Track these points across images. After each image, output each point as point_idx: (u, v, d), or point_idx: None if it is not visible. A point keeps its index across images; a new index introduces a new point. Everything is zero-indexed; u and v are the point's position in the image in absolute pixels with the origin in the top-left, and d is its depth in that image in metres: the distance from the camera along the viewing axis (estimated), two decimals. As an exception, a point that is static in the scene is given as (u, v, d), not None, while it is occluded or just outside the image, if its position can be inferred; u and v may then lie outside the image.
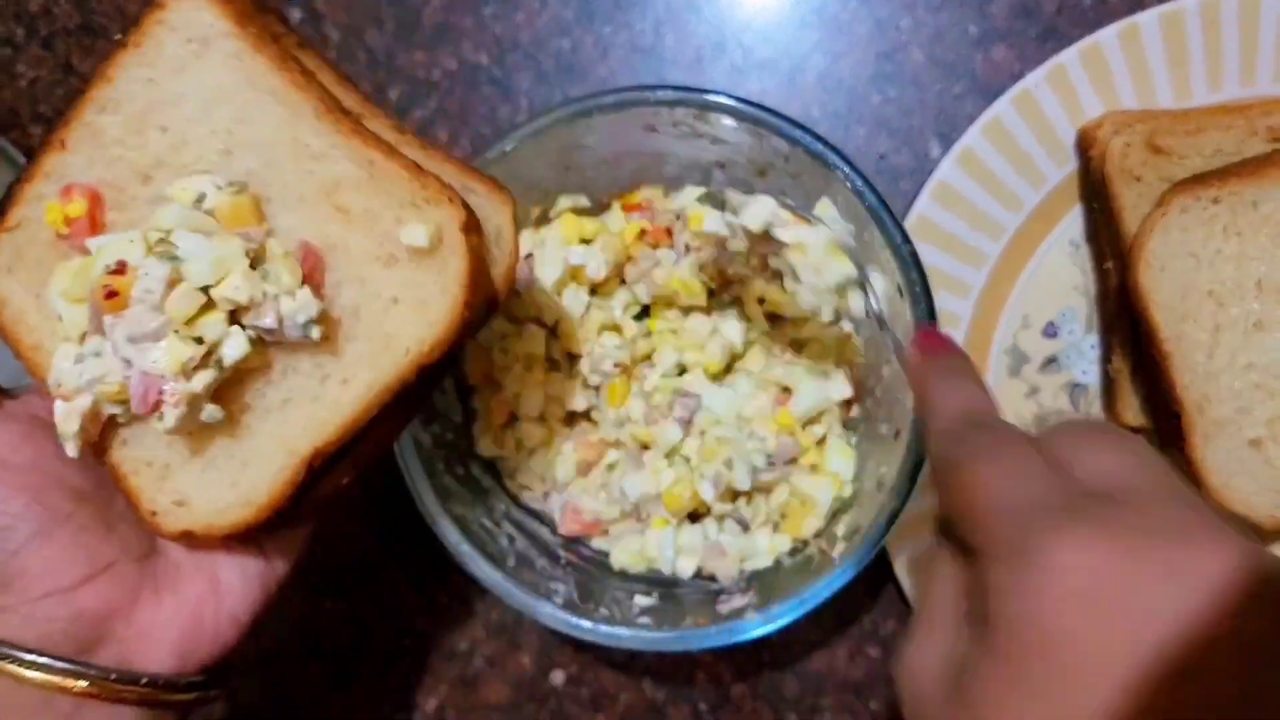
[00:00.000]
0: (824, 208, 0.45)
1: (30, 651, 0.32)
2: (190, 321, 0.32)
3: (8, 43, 0.60)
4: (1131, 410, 0.52)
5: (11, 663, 0.31)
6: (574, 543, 0.51)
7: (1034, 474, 0.25)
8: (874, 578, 0.55)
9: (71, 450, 0.34)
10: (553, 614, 0.44)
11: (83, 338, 0.33)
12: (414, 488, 0.44)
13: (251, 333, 0.33)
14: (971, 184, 0.52)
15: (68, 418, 0.33)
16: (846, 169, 0.42)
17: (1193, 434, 0.48)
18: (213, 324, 0.32)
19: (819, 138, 0.43)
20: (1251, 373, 0.48)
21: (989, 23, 0.56)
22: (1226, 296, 0.48)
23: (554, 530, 0.51)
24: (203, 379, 0.32)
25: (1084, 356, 0.54)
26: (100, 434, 0.35)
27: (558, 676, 0.57)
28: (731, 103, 0.43)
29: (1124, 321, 0.52)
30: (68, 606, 0.33)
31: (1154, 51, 0.51)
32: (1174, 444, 0.50)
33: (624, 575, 0.49)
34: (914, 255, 0.42)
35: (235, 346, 0.33)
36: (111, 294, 0.32)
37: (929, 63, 0.56)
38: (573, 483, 0.50)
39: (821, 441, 0.49)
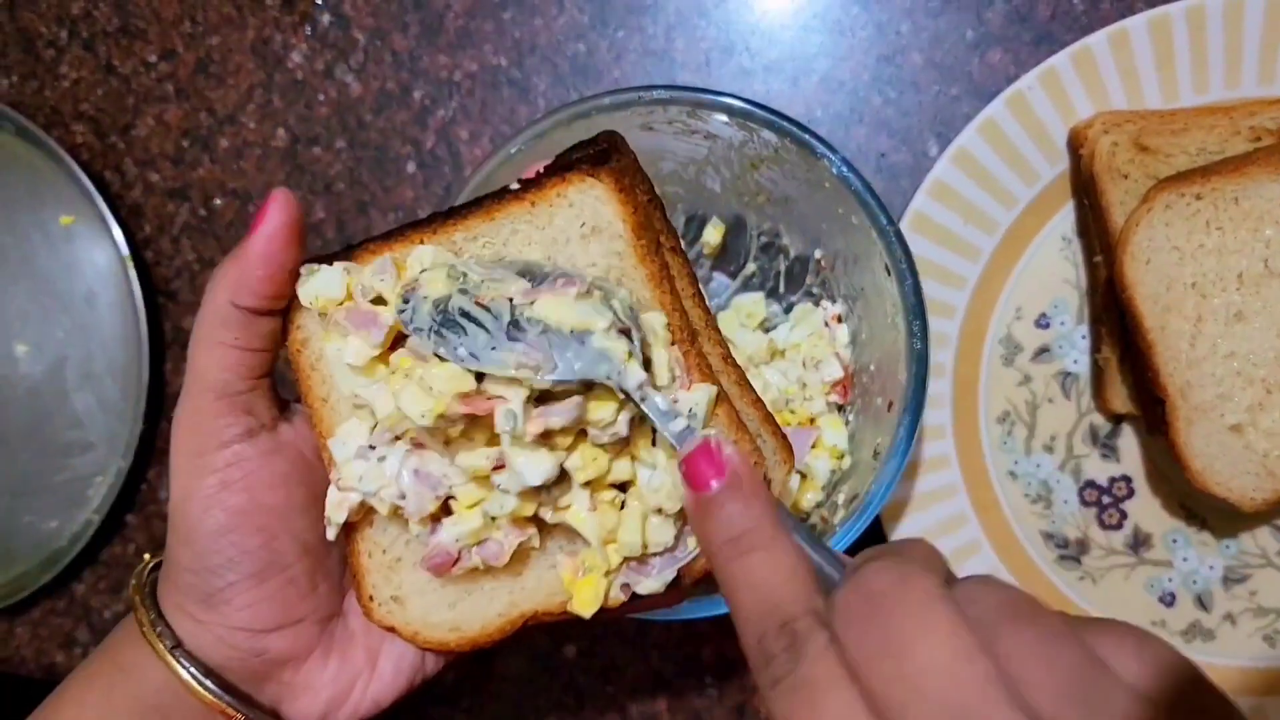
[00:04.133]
0: None
1: (211, 672, 0.36)
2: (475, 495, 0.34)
3: (51, 44, 0.63)
4: (1119, 397, 0.54)
5: (193, 678, 0.36)
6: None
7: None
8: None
9: (331, 534, 0.35)
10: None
11: (373, 429, 0.34)
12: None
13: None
14: (967, 181, 0.54)
15: (338, 507, 0.35)
16: (832, 155, 0.44)
17: (1176, 419, 0.50)
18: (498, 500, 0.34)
19: (804, 128, 0.44)
20: (1232, 361, 0.50)
21: (985, 28, 0.58)
22: (1208, 288, 0.50)
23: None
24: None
25: (1074, 346, 0.56)
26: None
27: (570, 650, 0.60)
28: (719, 99, 0.45)
29: (1112, 313, 0.54)
30: (253, 644, 0.37)
31: (1142, 55, 0.53)
32: (1158, 429, 0.52)
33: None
34: (899, 235, 0.44)
35: (519, 535, 0.34)
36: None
37: (927, 66, 0.58)
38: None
39: (814, 420, 0.51)
